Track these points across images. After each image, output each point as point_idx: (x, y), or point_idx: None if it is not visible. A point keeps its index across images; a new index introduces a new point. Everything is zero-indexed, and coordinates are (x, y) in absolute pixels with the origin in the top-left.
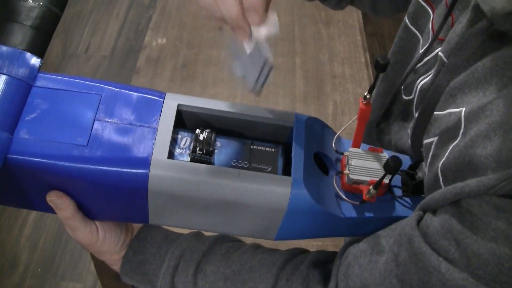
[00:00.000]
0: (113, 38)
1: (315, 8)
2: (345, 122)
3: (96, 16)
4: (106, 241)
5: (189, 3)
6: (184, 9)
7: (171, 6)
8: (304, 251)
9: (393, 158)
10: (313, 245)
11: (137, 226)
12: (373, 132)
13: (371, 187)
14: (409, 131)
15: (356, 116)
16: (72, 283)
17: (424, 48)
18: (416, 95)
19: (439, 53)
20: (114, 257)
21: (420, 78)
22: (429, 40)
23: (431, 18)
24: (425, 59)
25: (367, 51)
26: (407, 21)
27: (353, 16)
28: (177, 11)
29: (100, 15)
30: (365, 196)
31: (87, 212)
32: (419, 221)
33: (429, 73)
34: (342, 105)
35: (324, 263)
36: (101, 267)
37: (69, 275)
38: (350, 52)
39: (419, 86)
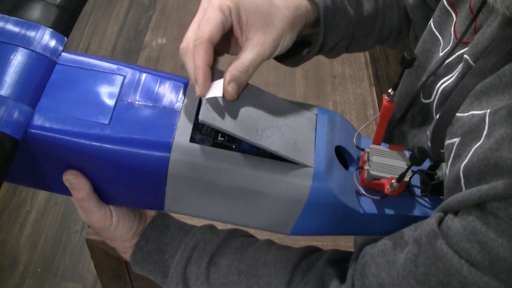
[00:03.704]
0: (113, 38)
1: None
2: None
3: (96, 16)
4: (119, 227)
5: (189, 3)
6: (184, 9)
7: (171, 6)
8: (318, 249)
9: (420, 149)
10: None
11: (150, 214)
12: (389, 135)
13: (393, 180)
14: (428, 133)
15: (379, 114)
16: (72, 283)
17: (446, 50)
18: (437, 98)
19: (465, 55)
20: (125, 245)
21: (442, 81)
22: (451, 43)
23: (454, 22)
24: (446, 62)
25: (367, 51)
26: (431, 24)
27: None
28: (177, 11)
29: (100, 15)
30: (387, 190)
31: (102, 195)
32: (440, 222)
33: (451, 75)
34: (342, 105)
35: (340, 262)
36: (101, 267)
37: (69, 275)
38: None
39: (440, 89)
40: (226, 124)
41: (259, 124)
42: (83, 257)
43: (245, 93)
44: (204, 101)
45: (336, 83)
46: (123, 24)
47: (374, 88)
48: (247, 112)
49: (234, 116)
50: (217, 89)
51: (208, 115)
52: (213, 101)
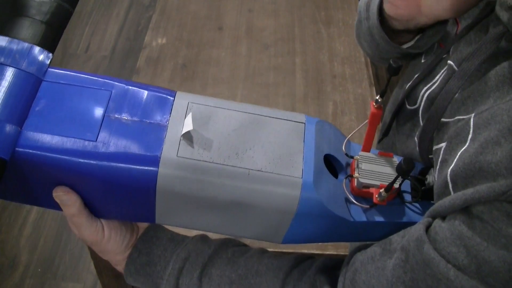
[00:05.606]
0: (113, 38)
1: (315, 8)
2: (345, 122)
3: (96, 16)
4: (111, 240)
5: (189, 3)
6: (184, 9)
7: (171, 6)
8: (310, 257)
9: (406, 160)
10: (312, 245)
11: (142, 226)
12: (379, 141)
13: (382, 190)
14: (416, 139)
15: (367, 120)
16: (72, 283)
17: (428, 56)
18: (423, 104)
19: (449, 61)
20: (118, 257)
21: (426, 87)
22: (434, 49)
23: None
24: (430, 68)
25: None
26: None
27: (353, 16)
28: (177, 11)
29: (100, 15)
30: (376, 199)
31: (93, 210)
32: (428, 227)
33: (434, 81)
34: (342, 105)
35: (332, 270)
36: (101, 267)
37: (69, 275)
38: (350, 52)
39: (425, 95)
40: (204, 156)
41: (239, 147)
42: (83, 257)
43: (225, 120)
44: (180, 138)
45: (336, 83)
46: (123, 24)
47: (374, 88)
48: (226, 138)
49: (213, 145)
50: (188, 124)
51: (185, 151)
52: (189, 136)
